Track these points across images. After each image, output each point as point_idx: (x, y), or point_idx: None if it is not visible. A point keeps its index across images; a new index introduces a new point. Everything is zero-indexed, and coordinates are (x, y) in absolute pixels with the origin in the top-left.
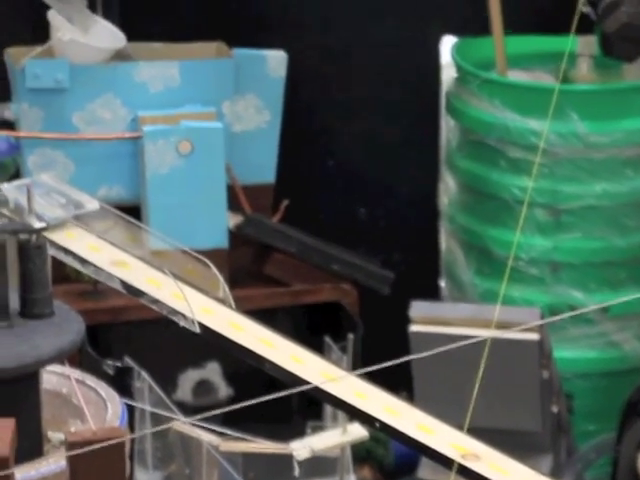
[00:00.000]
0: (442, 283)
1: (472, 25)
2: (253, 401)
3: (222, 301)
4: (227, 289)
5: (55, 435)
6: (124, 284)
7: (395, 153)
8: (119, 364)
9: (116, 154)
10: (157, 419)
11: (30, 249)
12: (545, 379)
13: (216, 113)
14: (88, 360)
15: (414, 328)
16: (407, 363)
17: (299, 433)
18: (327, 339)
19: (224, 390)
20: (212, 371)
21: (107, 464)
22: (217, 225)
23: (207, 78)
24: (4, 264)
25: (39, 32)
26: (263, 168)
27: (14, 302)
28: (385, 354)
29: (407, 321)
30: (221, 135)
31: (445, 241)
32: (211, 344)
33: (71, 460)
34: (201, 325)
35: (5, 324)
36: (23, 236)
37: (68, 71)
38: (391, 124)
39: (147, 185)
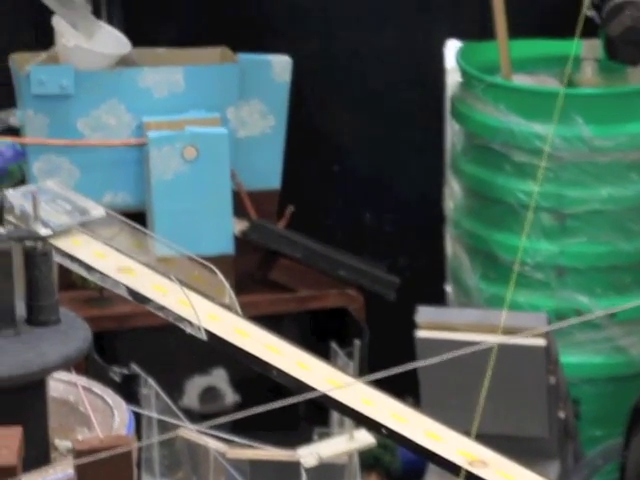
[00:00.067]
0: (448, 288)
1: (477, 29)
2: (260, 409)
3: (228, 307)
4: (233, 295)
5: (62, 443)
6: (130, 291)
7: (400, 158)
8: (125, 371)
9: (121, 160)
10: (164, 426)
11: (36, 256)
12: (552, 385)
13: (221, 118)
14: (94, 367)
15: (420, 333)
16: (413, 369)
17: (306, 440)
18: (333, 345)
19: (231, 397)
20: (218, 378)
21: (114, 472)
22: (223, 231)
23: (212, 83)
24: (10, 271)
25: (44, 38)
26: (268, 174)
27: (20, 309)
28: (391, 359)
29: (413, 326)
30: (226, 141)
31: (451, 246)
32: (217, 350)
33: (78, 468)
34: (207, 332)
35: (11, 331)
36: (29, 243)
37: (73, 77)
38: (396, 129)
39: (152, 191)
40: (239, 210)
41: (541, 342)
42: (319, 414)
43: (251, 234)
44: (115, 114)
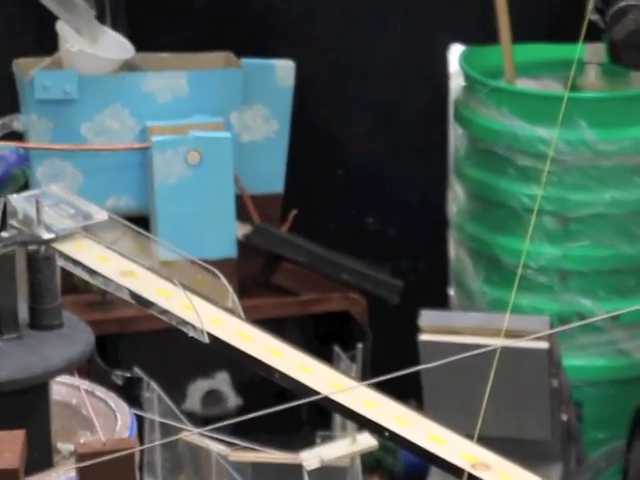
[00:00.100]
0: (451, 292)
1: (480, 33)
2: (263, 412)
3: (231, 311)
4: (236, 299)
5: (65, 446)
6: (133, 295)
7: (403, 162)
8: (128, 374)
9: (124, 164)
10: (166, 429)
11: (39, 260)
12: (554, 387)
13: (224, 123)
14: (97, 371)
15: (423, 337)
16: (416, 372)
17: (308, 443)
18: (336, 348)
19: (233, 400)
20: (221, 381)
21: (117, 475)
22: (226, 235)
23: (215, 88)
24: (13, 275)
25: (47, 43)
26: (271, 178)
27: (23, 313)
28: (394, 363)
29: (416, 330)
30: (230, 145)
31: (454, 250)
32: (220, 354)
33: (81, 471)
34: (210, 335)
35: (14, 335)
36: (32, 247)
37: (76, 82)
38: (399, 132)
39: (156, 195)
40: (242, 214)
41: (544, 345)
42: (322, 417)
43: (254, 238)
44: (119, 119)
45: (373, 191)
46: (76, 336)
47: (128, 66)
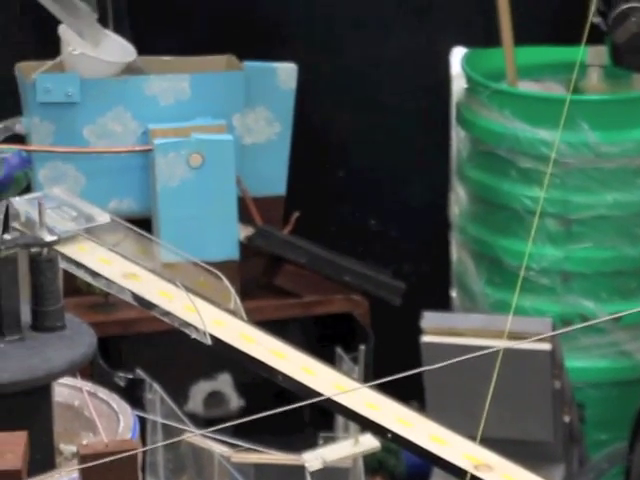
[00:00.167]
0: (453, 293)
1: (482, 36)
2: (265, 413)
3: (233, 313)
4: (238, 301)
5: (67, 448)
6: (136, 297)
7: (405, 164)
8: (130, 376)
9: (127, 167)
10: (169, 431)
11: (41, 262)
12: (557, 389)
13: (226, 125)
14: (100, 372)
15: (426, 339)
16: (419, 373)
17: (311, 444)
18: (338, 350)
19: (235, 401)
20: (223, 382)
21: (119, 476)
22: (228, 237)
23: (218, 91)
24: (16, 277)
25: (50, 47)
26: (274, 180)
27: (26, 315)
28: (396, 365)
29: (418, 332)
30: (232, 147)
31: (456, 251)
32: (222, 355)
33: (83, 473)
34: (213, 337)
35: (17, 337)
36: (34, 249)
37: (79, 85)
38: (401, 135)
39: (158, 198)
40: (244, 216)
41: (546, 347)
42: (324, 418)
43: (256, 240)
44: (121, 122)
45: (375, 193)
46: (78, 338)
47: (130, 69)
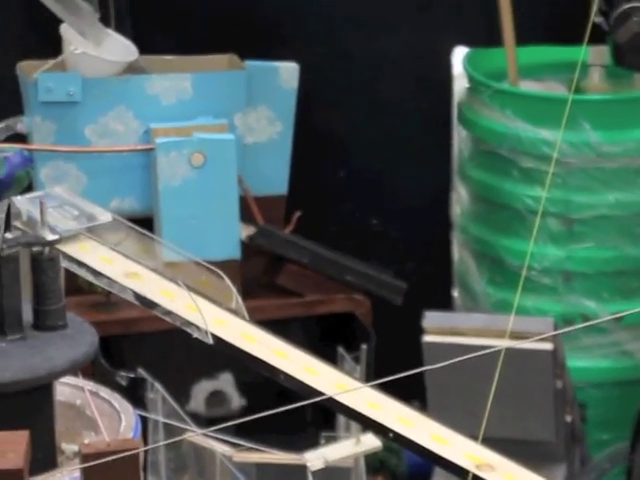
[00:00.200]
0: (455, 293)
1: (484, 35)
2: (267, 413)
3: (235, 312)
4: (240, 300)
5: (69, 447)
6: (137, 296)
7: (407, 163)
8: (132, 375)
9: (128, 166)
10: (170, 430)
11: (43, 261)
12: (558, 389)
13: (228, 125)
14: (101, 372)
15: (427, 338)
16: (420, 373)
17: (313, 443)
18: (340, 349)
19: (237, 401)
20: (225, 382)
21: (121, 476)
22: (229, 236)
23: (219, 90)
24: (17, 276)
25: (51, 46)
26: (275, 179)
27: (27, 314)
28: (398, 364)
29: (420, 331)
30: (233, 147)
31: (458, 251)
32: (224, 355)
33: (85, 472)
34: (214, 336)
35: (18, 336)
36: (36, 248)
37: (80, 84)
38: (403, 135)
39: (159, 197)
40: (246, 215)
41: (548, 346)
42: (326, 418)
43: (258, 239)
44: (123, 121)
45: (377, 193)
46: (80, 337)
47: (132, 68)
